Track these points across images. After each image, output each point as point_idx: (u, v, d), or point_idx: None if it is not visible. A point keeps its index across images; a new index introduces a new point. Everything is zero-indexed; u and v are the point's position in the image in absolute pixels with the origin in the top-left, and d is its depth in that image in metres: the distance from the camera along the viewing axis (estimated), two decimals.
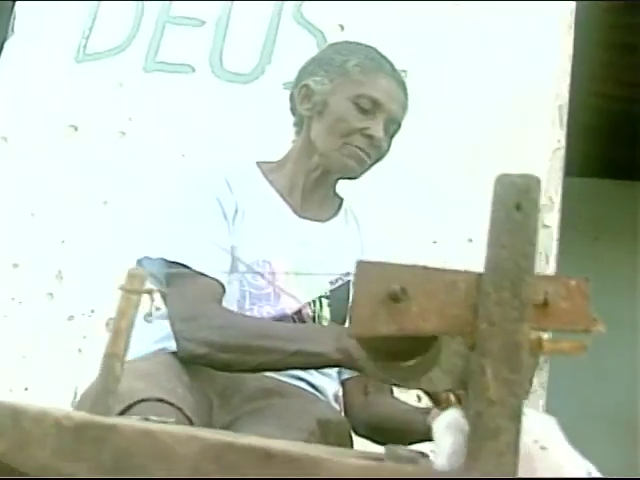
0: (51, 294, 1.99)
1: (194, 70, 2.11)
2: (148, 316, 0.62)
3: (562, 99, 1.90)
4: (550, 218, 1.82)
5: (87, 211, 2.02)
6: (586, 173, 3.86)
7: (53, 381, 1.88)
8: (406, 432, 1.17)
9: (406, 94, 1.41)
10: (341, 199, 1.49)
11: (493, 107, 1.90)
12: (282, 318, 1.28)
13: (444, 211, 1.85)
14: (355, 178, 1.42)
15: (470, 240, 1.83)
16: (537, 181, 0.54)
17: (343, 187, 1.46)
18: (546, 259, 1.80)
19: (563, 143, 1.87)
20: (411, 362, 0.61)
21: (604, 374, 3.38)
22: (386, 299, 0.54)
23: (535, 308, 0.52)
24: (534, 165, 1.85)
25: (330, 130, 1.35)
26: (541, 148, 1.85)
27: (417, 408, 1.28)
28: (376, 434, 1.30)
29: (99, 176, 2.04)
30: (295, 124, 1.45)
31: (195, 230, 1.28)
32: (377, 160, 1.41)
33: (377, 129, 1.34)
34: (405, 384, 0.67)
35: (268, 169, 1.43)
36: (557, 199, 1.83)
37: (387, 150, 1.42)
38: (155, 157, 2.02)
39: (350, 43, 1.46)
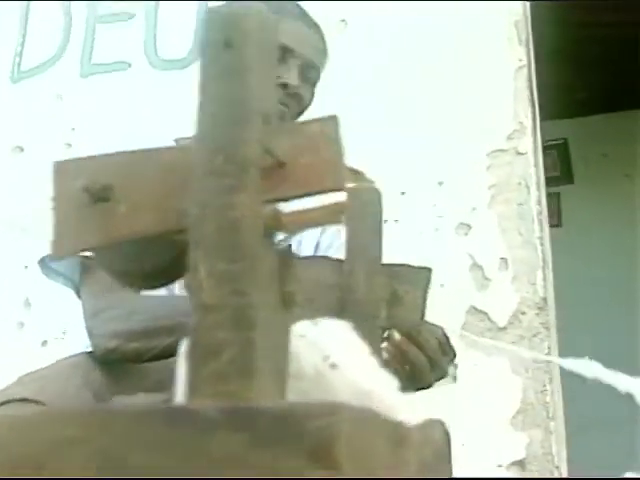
0: (21, 323, 1.90)
1: (130, 65, 1.99)
2: None
3: (517, 14, 1.72)
4: (524, 144, 1.64)
5: (45, 232, 1.92)
6: (607, 109, 3.66)
7: None
8: None
9: (322, 37, 1.27)
10: None
11: (446, 35, 1.73)
12: None
13: (412, 155, 1.69)
14: None
15: (440, 183, 1.67)
16: (257, 11, 0.40)
17: None
18: (527, 189, 1.62)
19: (525, 61, 1.69)
20: None
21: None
22: (90, 202, 0.41)
23: (267, 173, 0.38)
24: (498, 87, 1.68)
25: None
26: (502, 68, 1.68)
27: None
28: None
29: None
30: None
31: None
32: (300, 112, 1.27)
33: (290, 75, 1.20)
34: None
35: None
36: (529, 123, 1.65)
37: (310, 99, 1.28)
38: None
39: None
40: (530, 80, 1.70)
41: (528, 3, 1.79)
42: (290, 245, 0.43)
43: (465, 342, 1.18)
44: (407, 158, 1.69)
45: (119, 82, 1.98)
